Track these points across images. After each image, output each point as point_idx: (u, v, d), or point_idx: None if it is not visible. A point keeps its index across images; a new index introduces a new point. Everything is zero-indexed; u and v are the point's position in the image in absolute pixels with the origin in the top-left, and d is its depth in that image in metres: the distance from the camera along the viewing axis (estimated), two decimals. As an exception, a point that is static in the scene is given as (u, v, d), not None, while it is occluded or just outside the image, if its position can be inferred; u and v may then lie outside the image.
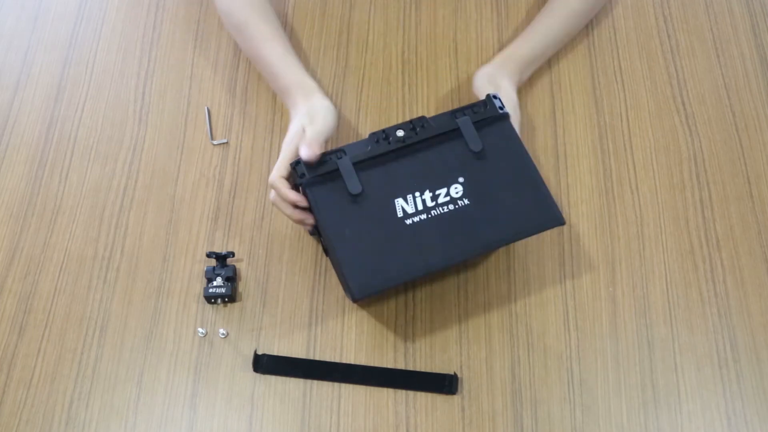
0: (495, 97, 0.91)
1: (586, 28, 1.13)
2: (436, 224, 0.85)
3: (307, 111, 0.94)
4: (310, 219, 0.89)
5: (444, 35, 1.13)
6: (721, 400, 0.89)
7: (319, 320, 0.94)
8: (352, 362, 0.92)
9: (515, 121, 0.94)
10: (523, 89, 1.07)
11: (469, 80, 1.09)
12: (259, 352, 0.92)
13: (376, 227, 0.85)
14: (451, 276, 0.96)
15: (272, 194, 0.91)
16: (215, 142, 1.06)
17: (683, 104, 1.08)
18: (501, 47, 1.11)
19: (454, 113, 0.91)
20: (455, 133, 0.89)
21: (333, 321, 0.94)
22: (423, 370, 0.91)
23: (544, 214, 0.87)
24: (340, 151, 0.88)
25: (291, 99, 0.98)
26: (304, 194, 0.88)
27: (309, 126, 0.92)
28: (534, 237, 0.98)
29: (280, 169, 0.90)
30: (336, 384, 0.91)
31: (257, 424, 0.89)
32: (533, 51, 1.05)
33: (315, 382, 0.91)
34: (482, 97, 0.94)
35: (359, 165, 0.88)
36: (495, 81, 1.00)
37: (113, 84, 1.11)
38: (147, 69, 1.12)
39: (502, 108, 0.91)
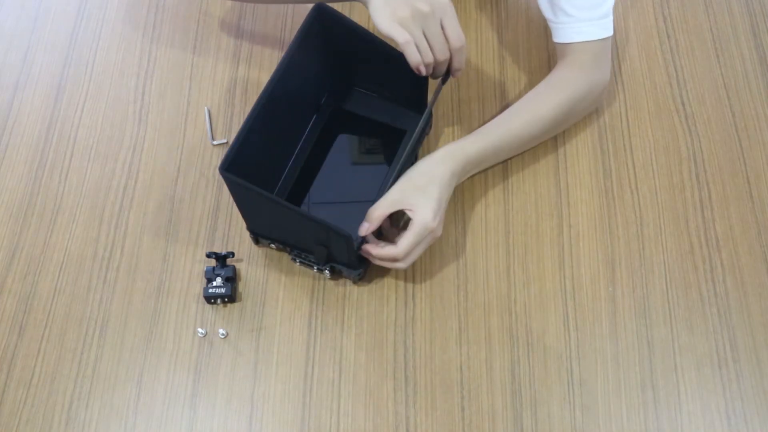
0: None
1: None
2: None
3: None
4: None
5: (444, 35, 1.13)
6: (721, 400, 0.89)
7: (319, 320, 0.94)
8: (352, 362, 0.92)
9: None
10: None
11: (469, 80, 1.09)
12: (260, 353, 0.92)
13: None
14: (451, 276, 0.96)
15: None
16: (215, 142, 1.06)
17: (683, 104, 1.08)
18: (500, 44, 1.11)
19: None
20: None
21: (333, 321, 0.94)
22: (423, 370, 0.91)
23: None
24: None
25: None
26: None
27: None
28: (534, 237, 0.98)
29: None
30: (336, 384, 0.91)
31: (257, 424, 0.89)
32: (484, 152, 0.96)
33: (315, 382, 0.91)
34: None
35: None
36: (430, 175, 0.92)
37: (113, 84, 1.11)
38: (147, 69, 1.12)
39: None
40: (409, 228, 0.89)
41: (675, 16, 1.15)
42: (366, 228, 0.89)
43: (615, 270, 0.97)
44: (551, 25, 1.01)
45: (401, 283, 0.96)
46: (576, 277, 0.96)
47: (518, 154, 1.03)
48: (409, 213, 0.89)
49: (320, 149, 1.03)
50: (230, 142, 1.05)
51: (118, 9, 1.17)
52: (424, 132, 1.02)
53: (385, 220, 0.91)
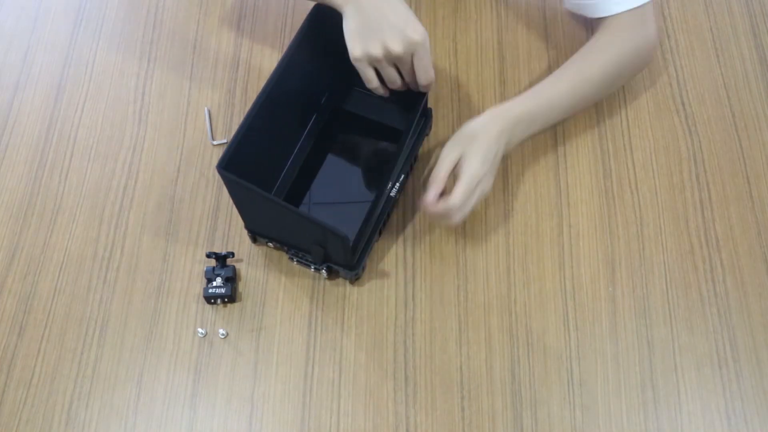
0: None
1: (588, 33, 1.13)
2: None
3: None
4: None
5: (444, 35, 1.13)
6: (721, 400, 0.89)
7: (319, 320, 0.94)
8: (352, 362, 0.92)
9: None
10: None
11: (469, 80, 1.09)
12: (260, 353, 0.92)
13: None
14: (451, 276, 0.96)
15: None
16: (215, 142, 1.06)
17: (683, 104, 1.08)
18: (500, 44, 1.11)
19: None
20: None
21: (333, 321, 0.94)
22: (423, 370, 0.91)
23: None
24: None
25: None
26: None
27: None
28: (534, 237, 0.98)
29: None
30: (336, 384, 0.91)
31: (257, 424, 0.89)
32: (531, 113, 0.96)
33: (315, 382, 0.91)
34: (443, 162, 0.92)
35: None
36: (476, 138, 0.92)
37: (113, 84, 1.11)
38: (147, 69, 1.12)
39: None
40: (459, 179, 0.90)
41: (675, 16, 1.15)
42: (433, 194, 0.90)
43: (615, 270, 0.97)
44: (583, 3, 1.01)
45: (401, 283, 0.96)
46: (576, 277, 0.96)
47: (570, 116, 1.04)
48: (458, 167, 0.90)
49: (320, 149, 1.03)
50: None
51: (118, 9, 1.17)
52: (423, 132, 1.02)
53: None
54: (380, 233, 0.97)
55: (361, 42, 0.88)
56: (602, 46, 1.00)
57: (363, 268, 0.95)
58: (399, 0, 0.90)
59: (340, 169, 1.03)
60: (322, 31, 0.94)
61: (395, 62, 0.91)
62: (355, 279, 0.95)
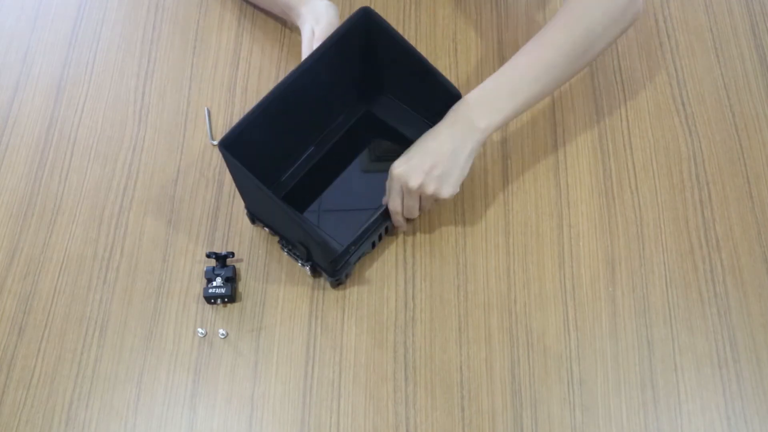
0: None
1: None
2: None
3: (311, 15, 0.99)
4: None
5: (444, 35, 1.13)
6: (721, 400, 0.89)
7: (319, 320, 0.94)
8: (352, 362, 0.92)
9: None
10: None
11: (470, 80, 1.09)
12: (260, 353, 0.92)
13: None
14: (451, 276, 0.96)
15: None
16: (215, 142, 1.06)
17: (683, 104, 1.08)
18: (500, 44, 1.11)
19: None
20: None
21: (333, 321, 0.94)
22: (423, 370, 0.91)
23: None
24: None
25: (295, 11, 1.02)
26: None
27: (316, 26, 0.98)
28: (534, 237, 0.98)
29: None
30: (336, 384, 0.91)
31: (257, 424, 0.89)
32: (495, 92, 0.89)
33: (315, 382, 0.91)
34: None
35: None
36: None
37: (113, 84, 1.11)
38: (147, 69, 1.12)
39: None
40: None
41: (675, 16, 1.15)
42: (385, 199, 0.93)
43: (615, 270, 0.97)
44: None
45: (401, 283, 0.96)
46: (576, 277, 0.96)
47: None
48: None
49: (341, 150, 1.01)
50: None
51: (118, 9, 1.17)
52: None
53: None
54: (374, 245, 0.96)
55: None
56: (571, 5, 0.92)
57: (347, 276, 0.94)
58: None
59: (355, 175, 1.01)
60: (364, 34, 0.92)
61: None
62: (336, 284, 0.95)
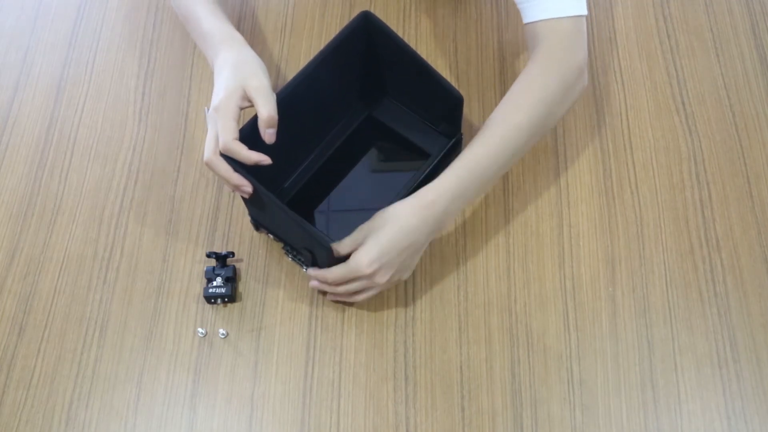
0: None
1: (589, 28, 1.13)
2: None
3: (234, 62, 0.86)
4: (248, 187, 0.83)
5: (444, 35, 1.13)
6: (721, 400, 0.89)
7: (319, 320, 0.94)
8: (352, 362, 0.92)
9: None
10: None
11: (469, 80, 1.09)
12: (260, 353, 0.92)
13: None
14: (451, 276, 0.96)
15: (220, 166, 0.82)
16: (215, 142, 1.06)
17: (683, 104, 1.08)
18: (500, 44, 1.11)
19: None
20: None
21: (333, 321, 0.94)
22: (423, 370, 0.91)
23: None
24: None
25: (213, 47, 0.89)
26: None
27: (252, 79, 0.83)
28: (534, 237, 0.98)
29: (228, 131, 0.80)
30: (336, 384, 0.91)
31: (257, 424, 0.89)
32: (463, 189, 0.87)
33: (315, 381, 0.91)
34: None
35: None
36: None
37: (113, 84, 1.11)
38: (147, 69, 1.12)
39: None
40: (347, 261, 0.86)
41: (675, 16, 1.15)
42: (315, 271, 0.90)
43: (615, 270, 0.97)
44: (520, 6, 0.93)
45: (401, 283, 0.96)
46: (576, 277, 0.96)
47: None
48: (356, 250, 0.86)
49: (344, 154, 1.01)
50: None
51: (118, 9, 1.17)
52: (449, 158, 0.95)
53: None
54: None
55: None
56: (528, 85, 0.91)
57: None
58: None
59: (360, 177, 1.01)
60: (365, 38, 0.92)
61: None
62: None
